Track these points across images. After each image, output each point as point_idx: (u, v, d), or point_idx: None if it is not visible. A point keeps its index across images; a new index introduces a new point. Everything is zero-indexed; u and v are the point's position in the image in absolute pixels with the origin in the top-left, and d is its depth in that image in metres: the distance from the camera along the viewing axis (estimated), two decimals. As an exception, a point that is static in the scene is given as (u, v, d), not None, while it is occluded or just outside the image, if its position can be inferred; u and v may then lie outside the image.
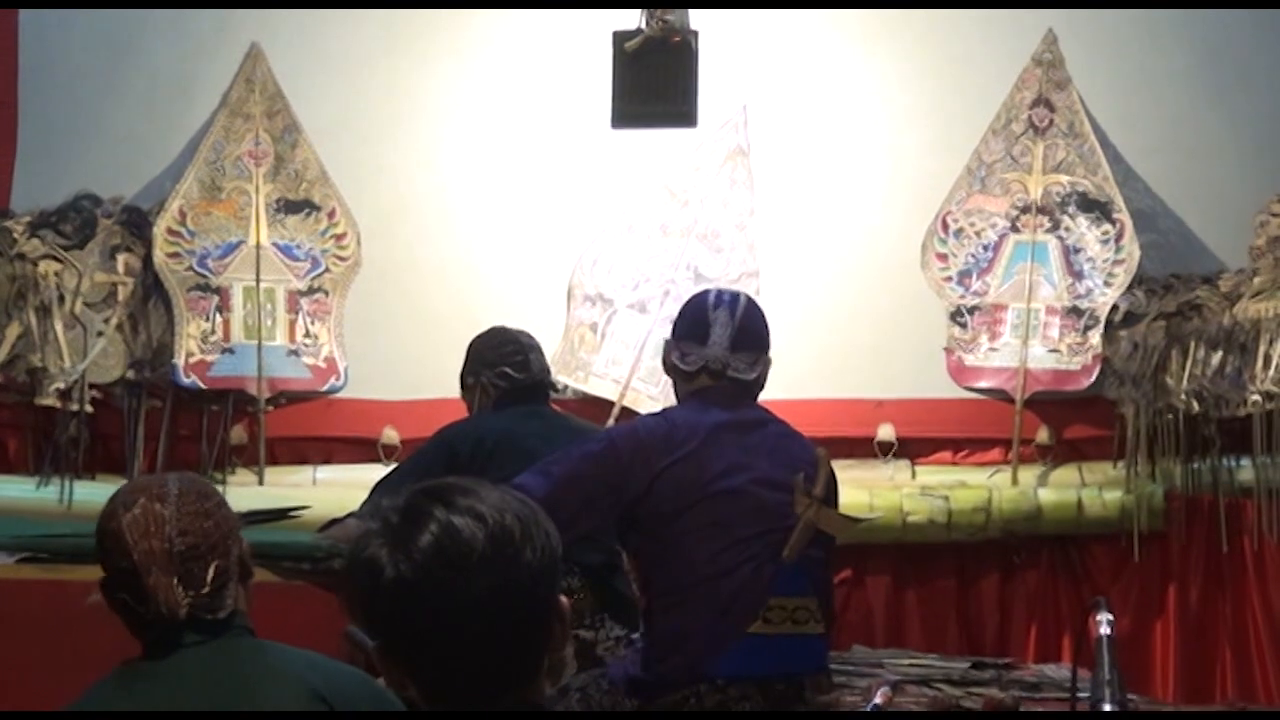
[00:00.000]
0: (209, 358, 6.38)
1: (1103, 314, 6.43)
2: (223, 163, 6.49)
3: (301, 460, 6.46)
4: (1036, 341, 6.45)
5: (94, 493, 6.19)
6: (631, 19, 6.17)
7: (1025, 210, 6.54)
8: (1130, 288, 6.43)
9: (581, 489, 3.97)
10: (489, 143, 6.62)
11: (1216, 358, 6.12)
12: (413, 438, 6.33)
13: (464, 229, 6.62)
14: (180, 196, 6.43)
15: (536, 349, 5.22)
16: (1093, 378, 6.41)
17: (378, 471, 6.11)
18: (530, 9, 6.58)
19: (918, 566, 6.45)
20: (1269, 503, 6.09)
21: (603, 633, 4.90)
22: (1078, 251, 6.49)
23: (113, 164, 6.53)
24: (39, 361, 6.21)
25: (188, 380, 6.34)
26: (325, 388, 6.51)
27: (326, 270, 6.53)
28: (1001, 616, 6.45)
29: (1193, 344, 6.17)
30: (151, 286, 6.40)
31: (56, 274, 6.30)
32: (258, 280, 6.43)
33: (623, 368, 6.49)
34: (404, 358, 6.52)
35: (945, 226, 6.57)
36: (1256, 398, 6.00)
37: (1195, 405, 6.12)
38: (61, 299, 6.29)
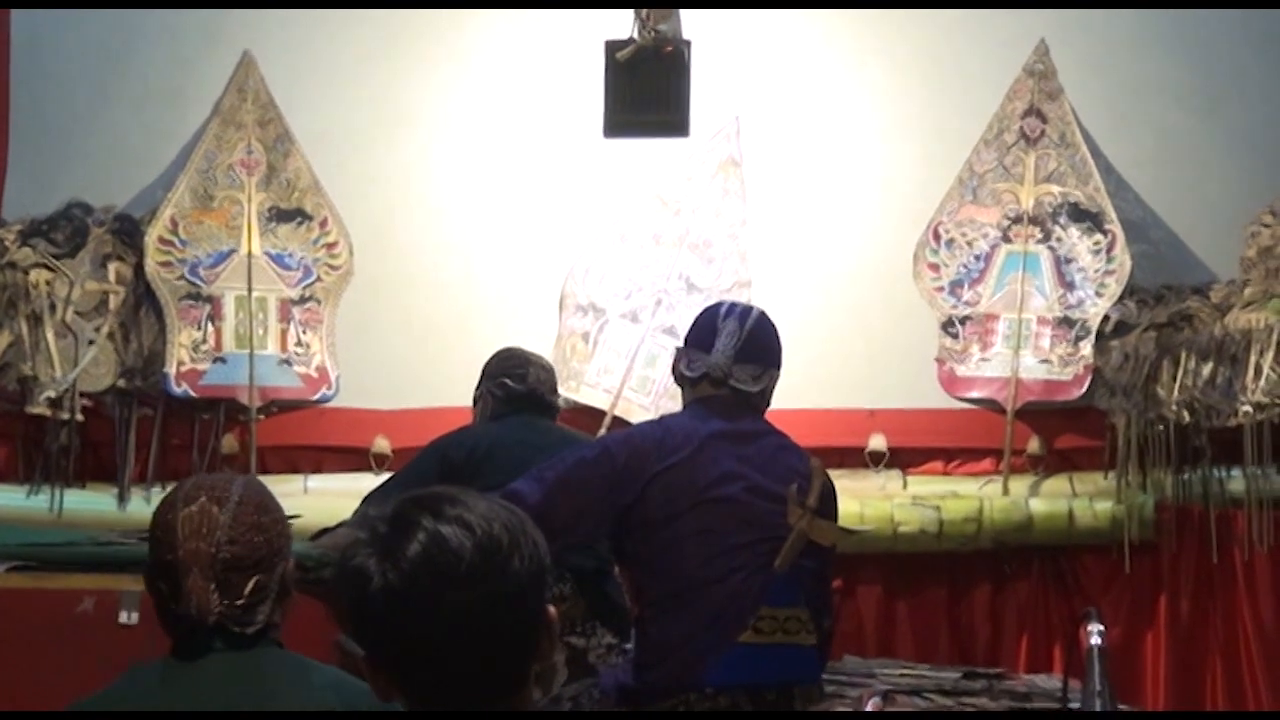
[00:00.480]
0: (200, 366, 6.37)
1: (1094, 324, 6.44)
2: (215, 171, 6.49)
3: (293, 469, 6.45)
4: (1028, 352, 6.46)
5: (84, 501, 6.20)
6: (624, 29, 6.18)
7: (1017, 220, 6.55)
8: (1121, 298, 6.44)
9: (575, 495, 3.97)
10: (481, 152, 6.63)
11: (1207, 368, 6.12)
12: (404, 447, 6.33)
13: (456, 238, 6.62)
14: (172, 205, 6.42)
15: (541, 366, 5.36)
16: (1084, 388, 6.41)
17: (369, 480, 6.13)
18: (523, 9, 6.58)
19: (909, 576, 6.45)
20: (1259, 513, 6.10)
21: (594, 640, 4.91)
22: (1069, 262, 6.50)
23: (104, 172, 6.52)
24: (30, 370, 6.20)
25: (179, 389, 6.33)
26: (317, 397, 6.51)
27: (318, 279, 6.52)
28: (992, 627, 6.45)
29: (1184, 354, 6.18)
30: (143, 295, 6.40)
31: (48, 282, 6.29)
32: (249, 289, 6.43)
33: (614, 377, 6.49)
34: (396, 367, 6.52)
35: (937, 237, 6.57)
36: (1247, 408, 6.00)
37: (1186, 416, 6.13)
38: (53, 307, 6.28)
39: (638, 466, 3.98)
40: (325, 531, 4.67)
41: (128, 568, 5.09)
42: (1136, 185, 6.62)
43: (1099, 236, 6.49)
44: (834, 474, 4.25)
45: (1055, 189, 6.55)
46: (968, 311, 6.55)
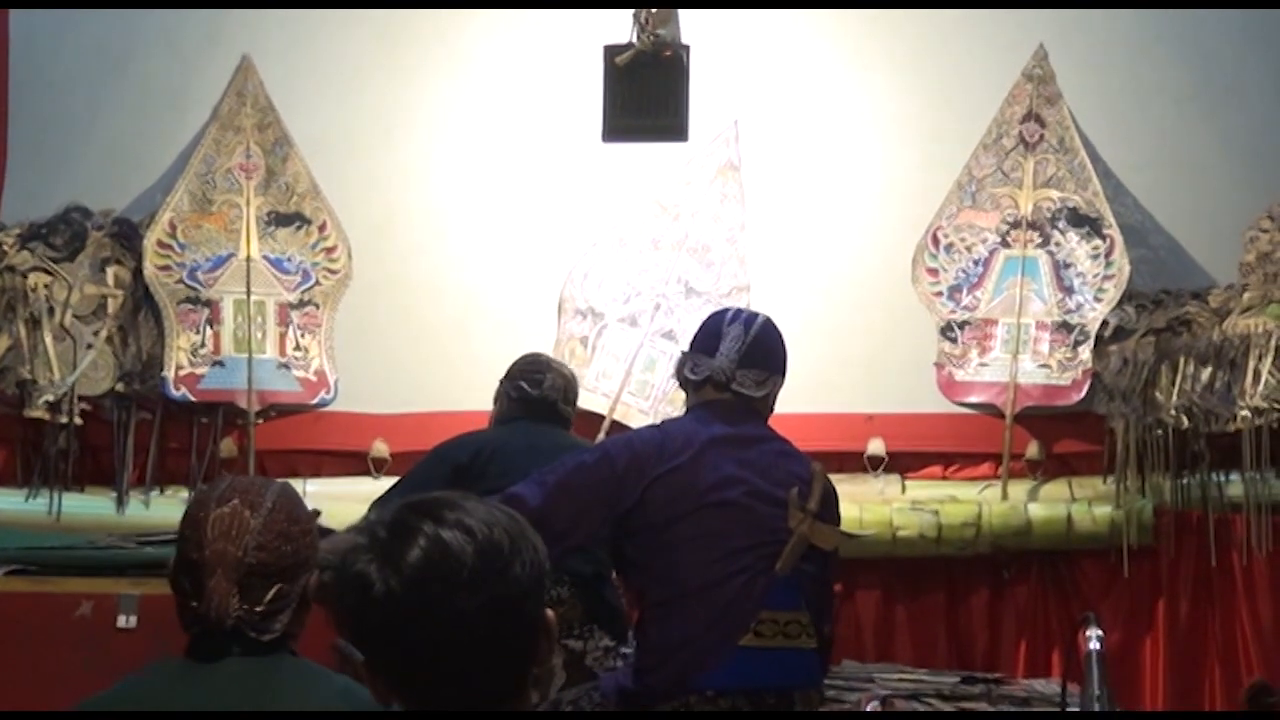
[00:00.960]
0: (199, 370, 6.37)
1: (1093, 329, 6.44)
2: (213, 175, 6.49)
3: (291, 473, 6.44)
4: (1026, 356, 6.46)
5: (83, 505, 6.20)
6: (623, 33, 6.18)
7: (1016, 225, 6.55)
8: (1120, 303, 6.44)
9: (575, 498, 3.97)
10: (480, 156, 6.63)
11: (1206, 373, 6.13)
12: (403, 451, 6.33)
13: (455, 242, 6.62)
14: (171, 209, 6.42)
15: (560, 374, 5.39)
16: (1083, 393, 6.41)
17: (368, 485, 6.14)
18: (523, 9, 6.58)
19: (907, 581, 6.45)
20: (1258, 518, 6.10)
21: (591, 643, 4.91)
22: (1068, 267, 6.50)
23: (103, 176, 6.52)
24: (28, 374, 6.20)
25: (178, 393, 6.33)
26: (315, 401, 6.51)
27: (317, 283, 6.52)
28: (991, 631, 6.45)
29: (1182, 359, 6.18)
30: (141, 299, 6.39)
31: (46, 286, 6.29)
32: (248, 293, 6.43)
33: (613, 381, 6.49)
34: (394, 371, 6.52)
35: (936, 241, 6.57)
36: (1246, 413, 6.00)
37: (1185, 420, 6.13)
38: (51, 311, 6.28)
39: (638, 470, 3.98)
40: (324, 534, 4.67)
41: (126, 571, 5.10)
42: (1135, 190, 6.63)
43: (1098, 241, 6.49)
44: (833, 478, 4.26)
45: (1054, 194, 6.55)
46: (966, 316, 6.55)
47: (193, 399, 6.36)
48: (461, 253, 6.61)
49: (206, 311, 6.41)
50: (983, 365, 6.51)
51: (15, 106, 6.51)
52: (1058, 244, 6.52)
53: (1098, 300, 6.46)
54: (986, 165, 6.59)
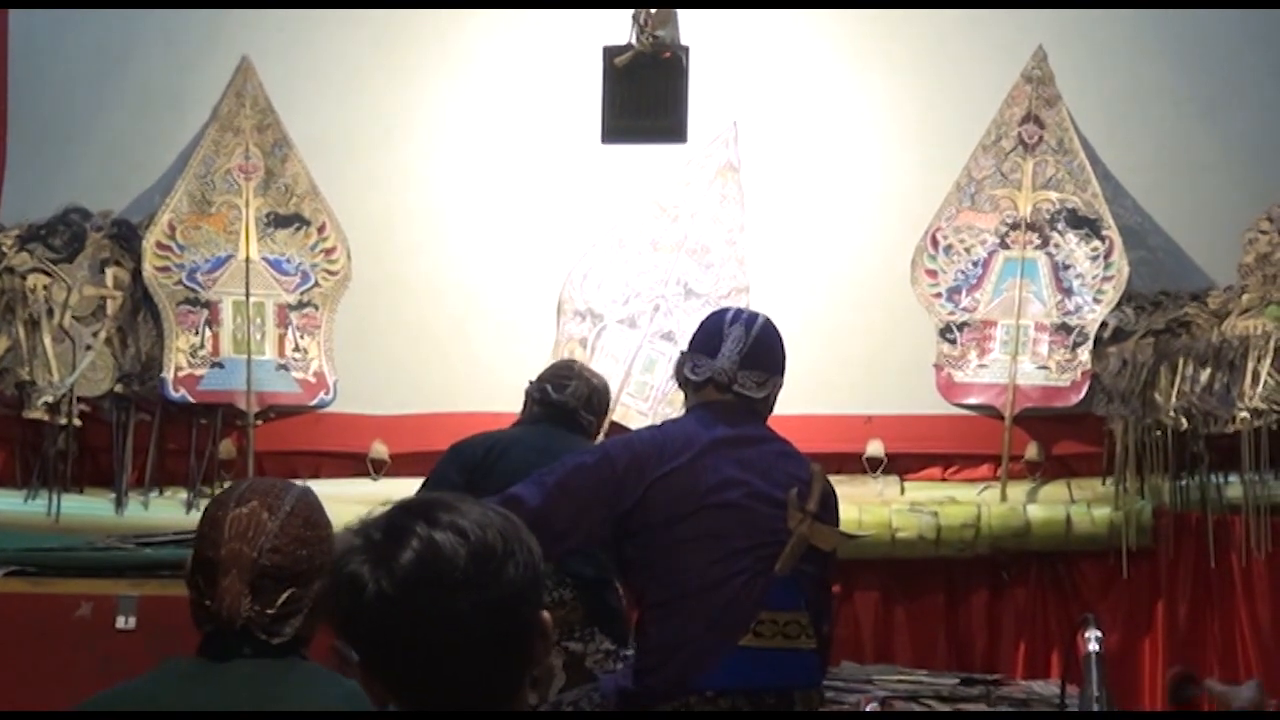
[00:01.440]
0: (198, 371, 6.37)
1: (1092, 330, 6.44)
2: (212, 177, 6.49)
3: (291, 474, 6.43)
4: (1026, 358, 6.46)
5: (82, 506, 6.20)
6: (622, 34, 6.18)
7: (1015, 227, 6.55)
8: (1119, 304, 6.44)
9: (575, 499, 3.97)
10: (479, 157, 6.63)
11: (1205, 374, 6.12)
12: (402, 452, 6.34)
13: (454, 243, 6.62)
14: (170, 210, 6.42)
15: (587, 382, 5.39)
16: (1082, 394, 6.41)
17: (367, 486, 6.15)
18: (523, 9, 6.58)
19: (906, 582, 6.45)
20: (1257, 519, 6.10)
21: (592, 645, 4.92)
22: (1067, 268, 6.50)
23: (102, 177, 6.52)
24: (27, 375, 6.20)
25: (177, 394, 6.33)
26: (314, 402, 6.51)
27: (316, 284, 6.52)
28: (990, 632, 6.45)
29: (1181, 361, 6.18)
30: (140, 300, 6.40)
31: (45, 287, 6.29)
32: (247, 294, 6.43)
33: (612, 382, 6.48)
34: (393, 372, 6.52)
35: (935, 243, 6.57)
36: (1245, 414, 6.00)
37: (1184, 422, 6.13)
38: (50, 312, 6.28)
39: (638, 471, 3.98)
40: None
41: (125, 573, 5.10)
42: (1134, 191, 6.63)
43: (1097, 243, 6.49)
44: (832, 480, 4.25)
45: (1053, 195, 6.55)
46: (966, 317, 6.55)
47: (192, 400, 6.36)
48: (461, 254, 6.61)
49: (205, 313, 6.41)
50: (982, 366, 6.51)
51: (15, 106, 6.51)
52: (1057, 245, 6.52)
53: (1097, 302, 6.46)
54: (985, 167, 6.59)
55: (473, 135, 6.63)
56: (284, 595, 2.64)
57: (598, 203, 6.60)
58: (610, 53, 6.18)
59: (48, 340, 6.25)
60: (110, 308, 6.36)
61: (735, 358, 4.12)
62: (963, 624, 6.47)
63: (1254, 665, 6.23)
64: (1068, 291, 6.48)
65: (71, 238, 6.36)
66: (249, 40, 6.58)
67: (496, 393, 6.07)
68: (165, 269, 6.39)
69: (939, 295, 6.56)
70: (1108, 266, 6.47)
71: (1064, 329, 6.47)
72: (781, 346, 4.23)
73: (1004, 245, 6.56)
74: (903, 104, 6.66)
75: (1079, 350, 6.44)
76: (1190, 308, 6.36)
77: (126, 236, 6.41)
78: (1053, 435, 6.50)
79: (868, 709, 5.10)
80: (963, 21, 6.61)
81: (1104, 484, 6.37)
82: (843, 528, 4.22)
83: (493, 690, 1.93)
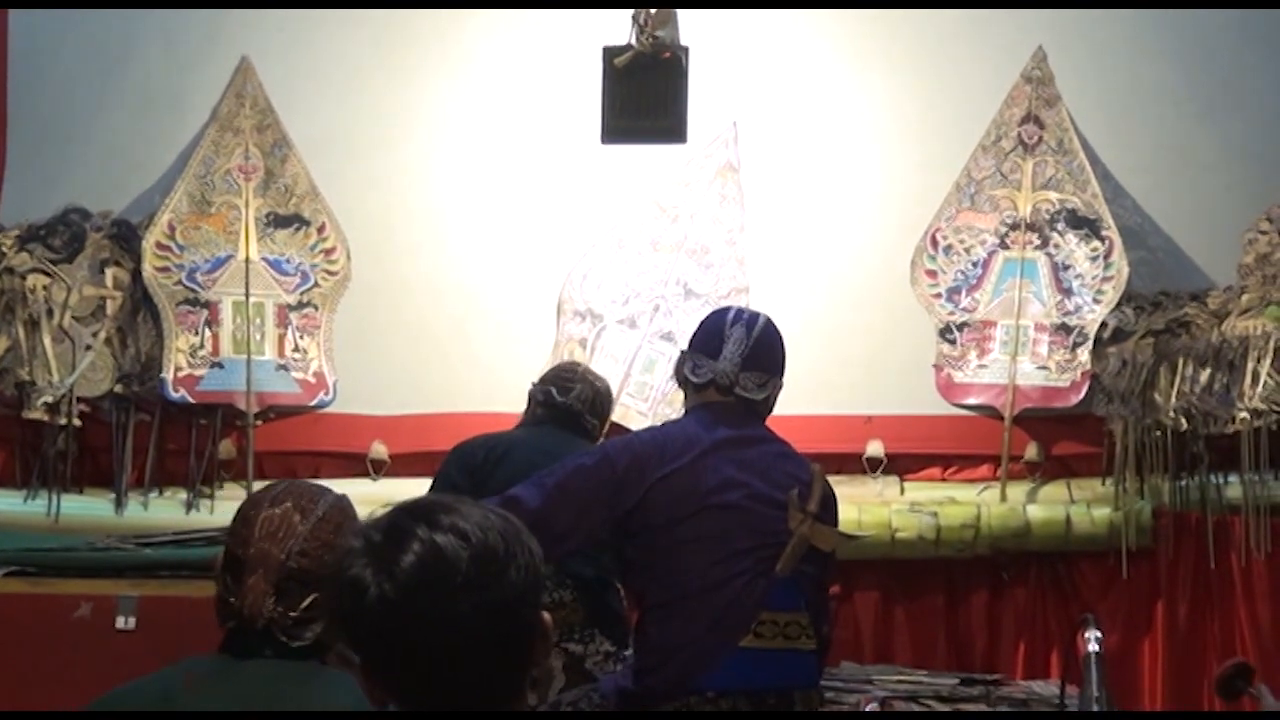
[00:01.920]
0: (198, 372, 6.37)
1: (1091, 331, 6.44)
2: (212, 177, 6.49)
3: (290, 475, 6.42)
4: (1025, 358, 6.46)
5: (82, 506, 6.20)
6: (622, 34, 6.18)
7: (1014, 227, 6.55)
8: (1119, 305, 6.44)
9: (575, 500, 3.97)
10: (479, 157, 6.63)
11: (1205, 375, 6.12)
12: (401, 452, 6.34)
13: (454, 243, 6.62)
14: (170, 210, 6.42)
15: (592, 385, 5.39)
16: (1081, 394, 6.41)
17: (366, 486, 6.14)
18: (522, 9, 6.58)
19: (906, 583, 6.45)
20: (1257, 520, 6.10)
21: (592, 647, 4.91)
22: (1067, 268, 6.50)
23: (102, 178, 6.52)
24: (27, 375, 6.20)
25: (176, 394, 6.33)
26: (314, 402, 6.51)
27: (316, 285, 6.52)
28: (990, 633, 6.45)
29: (1181, 361, 6.18)
30: (140, 300, 6.40)
31: (45, 288, 6.29)
32: (247, 295, 6.42)
33: (612, 382, 6.48)
34: (393, 372, 6.52)
35: (935, 243, 6.57)
36: (1244, 415, 6.00)
37: (1184, 422, 6.13)
38: (50, 313, 6.28)
39: (638, 472, 3.98)
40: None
41: (125, 573, 5.11)
42: (1134, 192, 6.63)
43: (1096, 243, 6.49)
44: (831, 480, 4.26)
45: (1053, 195, 6.55)
46: (965, 318, 6.55)
47: (191, 400, 6.36)
48: (461, 254, 6.61)
49: (205, 313, 6.41)
50: (981, 367, 6.51)
51: (15, 107, 6.51)
52: (1056, 246, 6.52)
53: (1096, 302, 6.46)
54: (985, 167, 6.59)
55: (473, 135, 6.63)
56: (308, 599, 2.64)
57: (597, 203, 6.60)
58: (610, 53, 6.18)
59: (48, 340, 6.25)
60: (110, 308, 6.36)
61: (737, 360, 4.12)
62: (962, 624, 6.47)
63: (1254, 665, 6.22)
64: (1067, 292, 6.48)
65: (71, 238, 6.36)
66: (249, 40, 6.58)
67: (496, 393, 6.08)
68: (165, 269, 6.39)
69: (939, 295, 6.56)
70: (1107, 267, 6.47)
71: (1064, 329, 6.47)
72: (782, 347, 4.23)
73: (1004, 245, 6.56)
74: (903, 104, 6.66)
75: (1079, 350, 6.44)
76: (1190, 308, 6.36)
77: (126, 237, 6.41)
78: (1052, 435, 6.50)
79: (868, 709, 5.10)
80: (963, 22, 6.61)
81: (1104, 484, 6.37)
82: (842, 528, 4.23)
83: (493, 691, 1.93)
